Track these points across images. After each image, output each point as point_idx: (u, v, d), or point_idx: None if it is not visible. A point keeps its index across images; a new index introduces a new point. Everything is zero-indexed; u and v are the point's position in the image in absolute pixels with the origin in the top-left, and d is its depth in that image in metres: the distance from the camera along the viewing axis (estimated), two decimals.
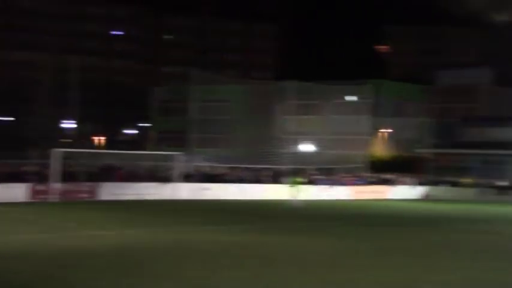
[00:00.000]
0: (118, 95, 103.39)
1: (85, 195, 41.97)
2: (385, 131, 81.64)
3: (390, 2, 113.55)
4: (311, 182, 53.06)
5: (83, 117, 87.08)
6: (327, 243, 23.29)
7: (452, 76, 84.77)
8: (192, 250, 20.28)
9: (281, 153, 66.38)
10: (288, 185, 44.76)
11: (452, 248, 23.22)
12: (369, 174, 63.67)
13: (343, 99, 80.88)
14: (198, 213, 35.49)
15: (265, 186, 50.60)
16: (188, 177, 47.90)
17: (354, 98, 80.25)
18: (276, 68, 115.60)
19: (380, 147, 79.87)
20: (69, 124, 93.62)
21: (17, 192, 38.92)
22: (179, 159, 48.03)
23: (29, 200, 39.08)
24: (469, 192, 59.37)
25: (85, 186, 42.42)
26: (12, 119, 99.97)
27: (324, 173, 59.17)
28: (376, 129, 79.79)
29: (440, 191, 60.85)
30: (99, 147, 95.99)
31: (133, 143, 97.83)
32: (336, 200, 51.65)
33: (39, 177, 40.87)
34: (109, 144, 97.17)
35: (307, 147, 74.69)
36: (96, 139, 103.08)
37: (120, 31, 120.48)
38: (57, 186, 40.67)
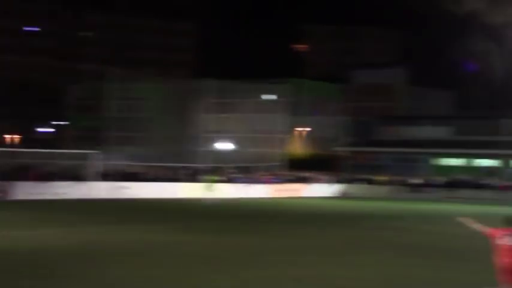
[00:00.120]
0: (33, 93, 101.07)
1: None
2: (303, 130, 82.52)
3: (309, 1, 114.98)
4: (229, 181, 53.21)
5: None
6: (241, 241, 23.38)
7: (367, 75, 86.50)
8: (106, 250, 20.04)
9: (199, 152, 66.31)
10: (203, 184, 44.87)
11: (367, 245, 23.65)
12: (286, 173, 64.27)
13: (262, 98, 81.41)
14: (114, 212, 35.16)
15: (183, 185, 50.47)
16: (105, 176, 47.30)
17: (273, 97, 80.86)
18: (195, 66, 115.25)
19: (298, 145, 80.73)
20: None
21: None
22: (96, 158, 47.37)
23: None
24: (384, 190, 60.67)
25: None
26: None
27: (243, 171, 59.41)
28: (294, 127, 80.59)
29: (356, 188, 62.02)
30: (12, 146, 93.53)
31: (50, 141, 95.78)
32: (254, 198, 51.89)
33: None
34: (25, 143, 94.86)
35: (225, 146, 74.80)
36: (8, 137, 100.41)
37: (35, 27, 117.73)
38: None
